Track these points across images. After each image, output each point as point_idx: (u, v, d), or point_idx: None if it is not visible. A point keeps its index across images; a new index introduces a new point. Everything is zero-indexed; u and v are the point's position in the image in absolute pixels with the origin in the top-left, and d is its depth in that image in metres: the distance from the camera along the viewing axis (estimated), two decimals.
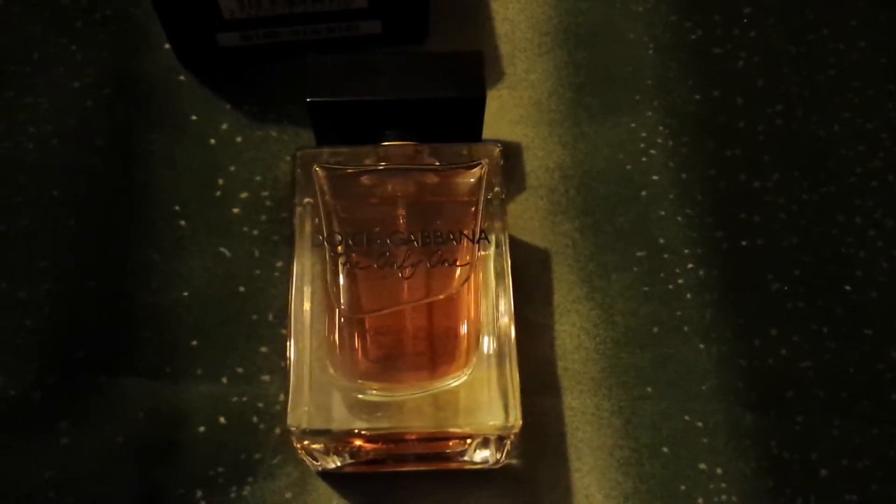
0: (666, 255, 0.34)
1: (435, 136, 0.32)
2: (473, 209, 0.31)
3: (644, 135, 0.36)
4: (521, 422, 0.28)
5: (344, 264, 0.30)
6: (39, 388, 0.32)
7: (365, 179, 0.31)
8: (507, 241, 0.31)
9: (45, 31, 0.36)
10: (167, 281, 0.33)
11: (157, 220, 0.34)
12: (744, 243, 0.35)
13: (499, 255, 0.31)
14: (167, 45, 0.37)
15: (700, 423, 0.32)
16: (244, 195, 0.35)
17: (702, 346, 0.33)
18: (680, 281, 0.34)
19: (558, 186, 0.36)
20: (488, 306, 0.30)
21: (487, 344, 0.30)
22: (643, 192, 0.35)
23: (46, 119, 0.35)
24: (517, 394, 0.29)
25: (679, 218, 0.35)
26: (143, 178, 0.35)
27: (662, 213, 0.35)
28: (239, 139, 0.36)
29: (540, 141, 0.36)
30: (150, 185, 0.35)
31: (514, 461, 0.32)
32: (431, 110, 0.32)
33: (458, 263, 0.30)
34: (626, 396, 0.33)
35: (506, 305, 0.30)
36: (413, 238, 0.30)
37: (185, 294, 0.33)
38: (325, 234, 0.30)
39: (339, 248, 0.30)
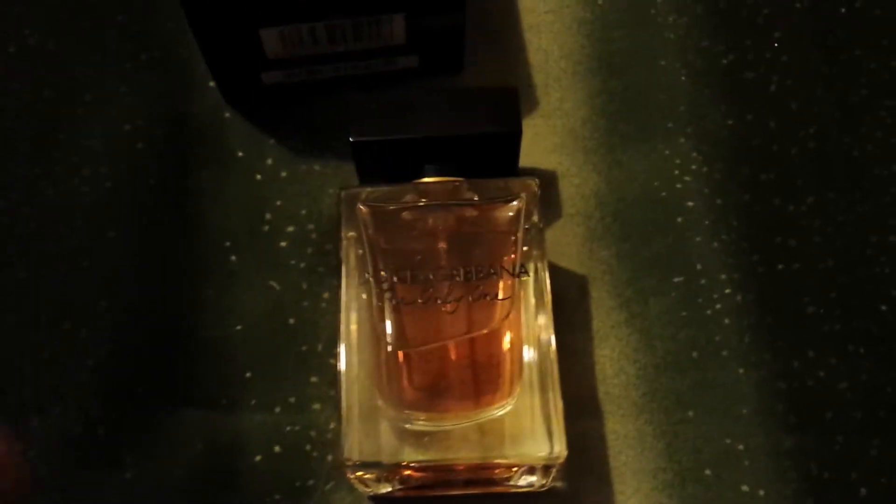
0: (703, 281, 0.35)
1: (473, 170, 0.33)
2: (513, 241, 0.32)
3: (678, 161, 0.37)
4: (566, 451, 0.29)
5: (390, 300, 0.31)
6: (103, 424, 0.33)
7: (406, 215, 0.32)
8: (547, 268, 0.32)
9: (97, 73, 0.38)
10: (221, 315, 0.35)
11: (210, 256, 0.36)
12: (780, 267, 0.35)
13: (538, 283, 0.31)
14: (212, 84, 0.38)
15: (741, 446, 0.33)
16: (291, 229, 0.36)
17: (741, 370, 0.34)
18: (718, 306, 0.35)
19: (594, 213, 0.36)
20: (529, 334, 0.31)
21: (530, 372, 0.31)
22: (679, 219, 0.36)
23: (100, 161, 0.36)
24: (561, 421, 0.30)
25: (715, 244, 0.36)
26: (195, 215, 0.36)
27: (699, 238, 0.36)
28: (284, 174, 0.37)
29: (576, 168, 0.37)
30: (202, 221, 0.36)
31: (559, 483, 0.33)
32: (469, 145, 0.33)
33: (499, 297, 0.31)
34: (667, 420, 0.33)
35: (547, 333, 0.31)
36: (455, 273, 0.31)
37: (238, 328, 0.35)
38: (371, 271, 0.31)
39: (384, 284, 0.31)
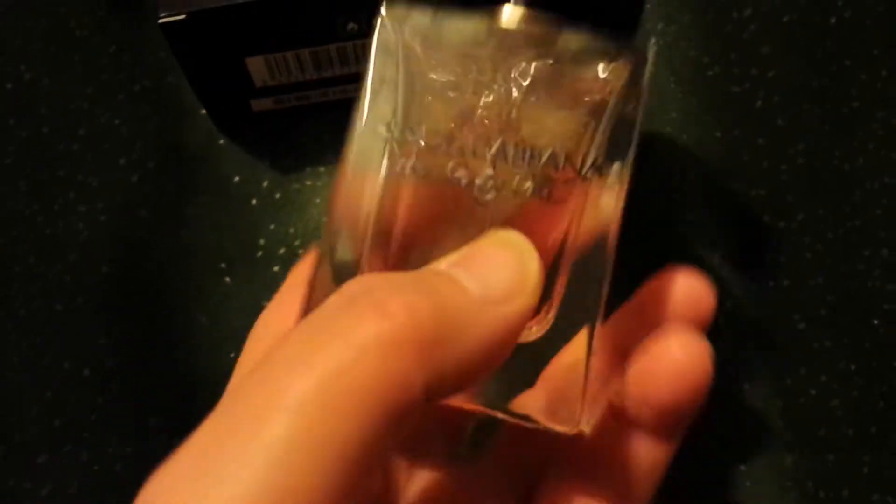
0: None
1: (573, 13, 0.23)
2: (594, 125, 0.23)
3: (677, 168, 0.37)
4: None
5: (404, 166, 0.22)
6: (119, 461, 0.34)
7: (467, 53, 0.23)
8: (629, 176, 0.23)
9: (91, 106, 0.38)
10: (215, 344, 0.35)
11: (205, 281, 0.36)
12: (771, 283, 0.35)
13: (612, 191, 0.23)
14: (205, 111, 0.38)
15: (744, 466, 0.33)
16: (282, 251, 0.37)
17: (746, 386, 0.34)
18: (719, 320, 0.35)
19: None
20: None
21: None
22: (679, 230, 0.36)
23: (95, 197, 0.37)
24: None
25: (715, 258, 0.36)
26: (191, 244, 0.37)
27: (699, 251, 0.36)
28: (278, 195, 0.37)
29: None
30: (197, 249, 0.37)
31: None
32: None
33: (556, 199, 0.22)
34: None
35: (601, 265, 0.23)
36: (505, 149, 0.22)
37: (232, 355, 0.35)
38: (400, 117, 0.22)
39: (410, 138, 0.22)
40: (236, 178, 0.38)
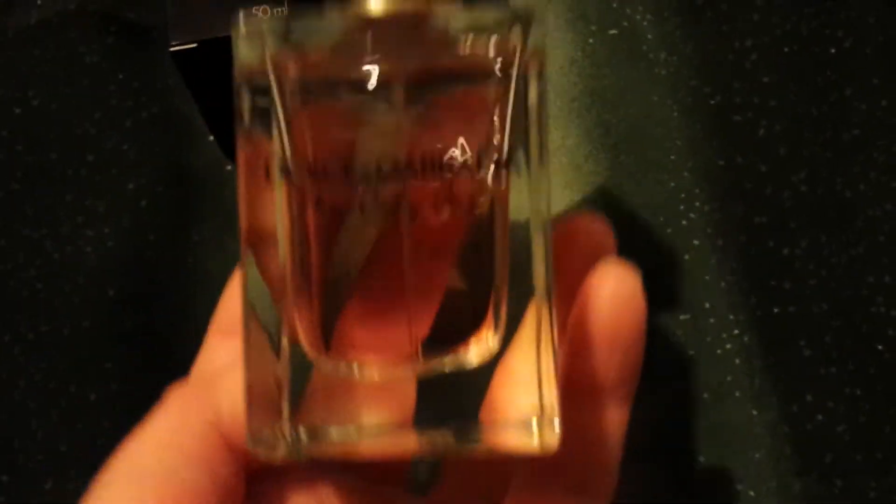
0: (712, 320, 0.36)
1: None
2: (498, 110, 0.20)
3: (683, 196, 0.37)
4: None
5: (314, 204, 0.20)
6: None
7: (343, 66, 0.20)
8: (548, 173, 0.20)
9: (98, 132, 0.38)
10: None
11: (212, 304, 0.36)
12: (776, 310, 0.36)
13: (533, 183, 0.20)
14: (213, 137, 0.38)
15: (752, 492, 0.33)
16: None
17: (754, 412, 0.34)
18: (728, 346, 0.35)
19: None
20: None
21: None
22: (686, 256, 0.36)
23: (103, 221, 0.37)
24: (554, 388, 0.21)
25: (722, 284, 0.36)
26: (198, 268, 0.37)
27: (707, 277, 0.36)
28: None
29: (586, 204, 0.37)
30: (204, 273, 0.37)
31: None
32: None
33: (474, 205, 0.20)
34: (679, 464, 0.34)
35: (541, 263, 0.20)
36: (412, 164, 0.19)
37: None
38: (289, 157, 0.20)
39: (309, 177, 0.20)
40: None
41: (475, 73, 0.20)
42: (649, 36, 0.40)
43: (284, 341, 0.21)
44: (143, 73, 0.39)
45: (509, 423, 0.21)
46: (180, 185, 0.38)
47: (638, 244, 0.37)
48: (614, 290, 0.22)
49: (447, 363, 0.21)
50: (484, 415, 0.21)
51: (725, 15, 0.39)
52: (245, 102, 0.20)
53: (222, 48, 0.32)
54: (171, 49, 0.32)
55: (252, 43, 0.20)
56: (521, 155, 0.20)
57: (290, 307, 0.21)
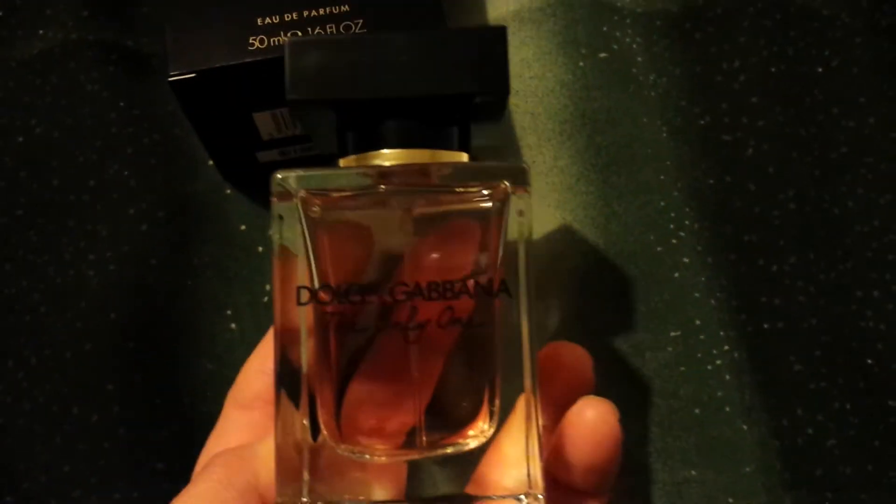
0: (702, 336, 0.36)
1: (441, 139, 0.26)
2: (493, 246, 0.26)
3: (673, 215, 0.38)
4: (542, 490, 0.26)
5: (336, 326, 0.26)
6: None
7: (357, 207, 0.27)
8: (533, 293, 0.26)
9: (100, 158, 0.39)
10: (221, 390, 0.36)
11: (212, 328, 0.37)
12: (766, 326, 0.36)
13: (518, 307, 0.25)
14: (212, 162, 0.39)
15: None
16: None
17: (744, 426, 0.35)
18: (718, 362, 0.36)
19: (592, 268, 0.37)
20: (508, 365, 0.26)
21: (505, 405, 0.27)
22: (675, 274, 0.37)
23: (105, 246, 0.38)
24: (538, 461, 0.26)
25: (712, 301, 0.37)
26: (198, 291, 0.37)
27: (697, 294, 0.37)
28: None
29: (578, 224, 0.38)
30: (204, 296, 0.37)
31: None
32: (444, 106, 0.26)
33: (473, 322, 0.26)
34: (671, 479, 0.34)
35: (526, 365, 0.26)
36: (418, 289, 0.25)
37: None
38: (315, 283, 0.25)
39: (332, 300, 0.25)
40: (243, 227, 0.38)
41: (473, 211, 0.26)
42: (639, 58, 0.40)
43: (305, 421, 0.26)
44: (143, 101, 0.40)
45: (500, 497, 0.26)
46: (180, 209, 0.39)
47: (629, 262, 0.37)
48: (593, 427, 0.27)
49: (449, 448, 0.26)
50: (473, 489, 0.26)
51: (713, 37, 0.40)
52: (277, 233, 0.26)
53: (219, 77, 0.33)
54: (171, 78, 0.33)
55: (284, 191, 0.25)
56: (513, 279, 0.25)
57: (314, 393, 0.26)
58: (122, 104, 0.40)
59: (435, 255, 0.26)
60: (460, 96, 0.25)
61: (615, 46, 0.40)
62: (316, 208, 0.26)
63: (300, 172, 0.25)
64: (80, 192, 0.39)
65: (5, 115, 0.40)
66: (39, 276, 0.37)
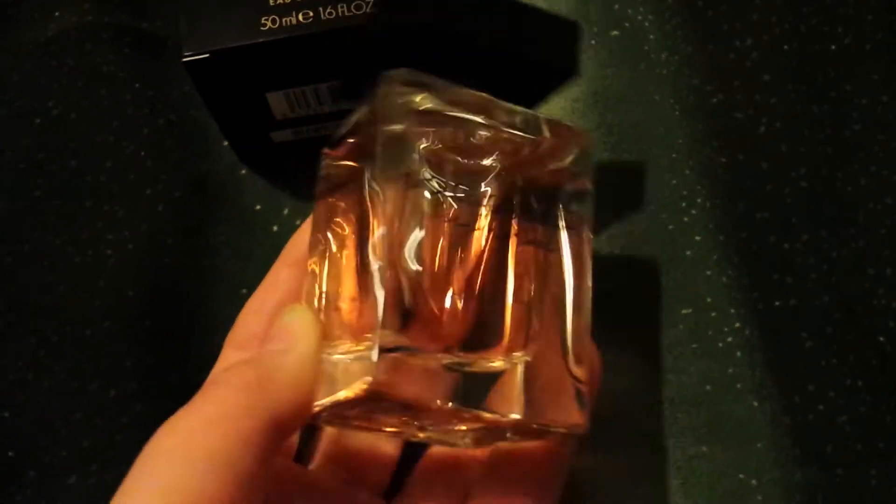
0: (714, 314, 0.36)
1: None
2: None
3: (685, 193, 0.38)
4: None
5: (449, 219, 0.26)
6: None
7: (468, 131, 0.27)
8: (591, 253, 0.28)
9: (117, 139, 0.40)
10: None
11: (228, 307, 0.37)
12: (777, 303, 0.36)
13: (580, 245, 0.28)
14: (227, 143, 0.39)
15: (754, 481, 0.34)
16: None
17: (755, 403, 0.35)
18: (729, 339, 0.36)
19: (603, 246, 0.38)
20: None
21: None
22: (688, 252, 0.37)
23: (122, 226, 0.38)
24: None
25: (724, 279, 0.37)
26: (214, 270, 0.38)
27: (709, 272, 0.37)
28: (298, 222, 0.39)
29: None
30: (220, 275, 0.38)
31: None
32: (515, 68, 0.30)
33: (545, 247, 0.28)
34: (683, 455, 0.35)
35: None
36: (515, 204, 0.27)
37: None
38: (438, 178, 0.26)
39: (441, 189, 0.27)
40: (258, 207, 0.39)
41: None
42: (651, 36, 0.40)
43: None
44: (159, 82, 0.40)
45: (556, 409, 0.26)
46: (196, 189, 0.39)
47: (641, 240, 0.38)
48: None
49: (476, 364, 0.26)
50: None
51: (725, 14, 0.40)
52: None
53: (233, 58, 0.33)
54: (185, 59, 0.33)
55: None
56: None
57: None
58: (137, 85, 0.40)
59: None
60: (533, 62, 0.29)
61: (627, 24, 0.40)
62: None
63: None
64: (97, 173, 0.39)
65: (22, 98, 0.40)
66: (58, 256, 0.38)
